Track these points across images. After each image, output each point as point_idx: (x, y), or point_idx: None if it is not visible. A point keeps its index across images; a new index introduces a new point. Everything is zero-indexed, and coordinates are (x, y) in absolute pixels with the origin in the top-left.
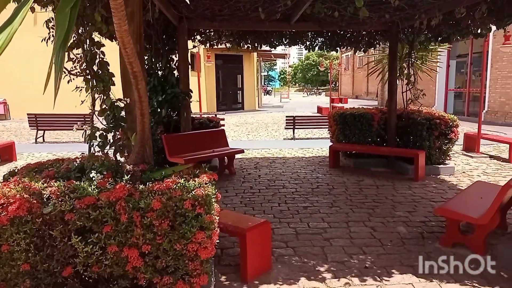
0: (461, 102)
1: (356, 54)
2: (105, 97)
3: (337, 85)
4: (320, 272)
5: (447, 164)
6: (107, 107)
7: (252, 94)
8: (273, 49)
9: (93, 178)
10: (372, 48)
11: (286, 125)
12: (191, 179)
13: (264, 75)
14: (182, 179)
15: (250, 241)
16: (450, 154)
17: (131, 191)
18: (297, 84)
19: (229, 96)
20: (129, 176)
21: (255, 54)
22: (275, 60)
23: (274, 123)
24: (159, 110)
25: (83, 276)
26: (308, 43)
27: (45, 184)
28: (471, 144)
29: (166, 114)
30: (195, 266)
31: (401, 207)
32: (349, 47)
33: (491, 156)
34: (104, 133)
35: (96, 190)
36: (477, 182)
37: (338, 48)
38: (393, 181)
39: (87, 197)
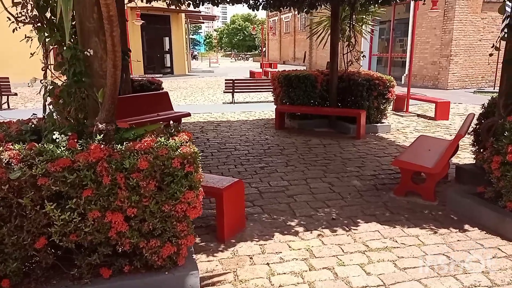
0: (382, 67)
1: (297, 14)
2: (63, 48)
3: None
4: (292, 227)
5: (384, 122)
6: (66, 60)
7: (181, 58)
8: (215, 6)
9: (57, 140)
10: (314, 10)
11: (225, 89)
12: (169, 138)
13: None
14: (162, 138)
15: (226, 201)
16: (386, 114)
17: (110, 152)
18: (223, 49)
19: (157, 60)
20: (101, 136)
21: (183, 15)
22: (203, 23)
23: (209, 87)
24: None
25: (58, 247)
26: (251, 2)
27: (0, 148)
28: (399, 105)
29: None
30: (183, 227)
31: (351, 163)
32: (291, 8)
33: (418, 115)
34: (67, 90)
35: (67, 152)
36: (420, 136)
37: (281, 9)
38: (338, 140)
39: (60, 159)
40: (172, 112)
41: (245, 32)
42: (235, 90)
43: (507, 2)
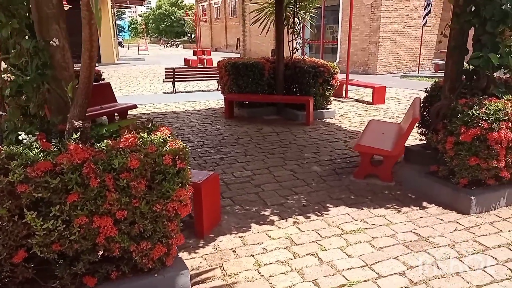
0: (313, 54)
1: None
2: (24, 38)
3: (192, 37)
4: (266, 216)
5: (329, 108)
6: (27, 51)
7: (109, 46)
8: None
9: (24, 141)
10: None
11: (166, 78)
12: (150, 134)
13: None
14: (145, 134)
15: (205, 195)
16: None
17: (94, 152)
18: (149, 36)
19: (80, 47)
20: (78, 134)
21: None
22: (130, 7)
23: (144, 76)
24: None
25: (31, 258)
26: None
27: None
28: (338, 91)
29: None
30: (174, 227)
31: (307, 150)
32: None
33: (356, 100)
34: (31, 85)
35: (42, 154)
36: (371, 121)
37: None
38: (288, 127)
39: (40, 162)
40: (117, 105)
41: (173, 17)
42: (176, 79)
43: None
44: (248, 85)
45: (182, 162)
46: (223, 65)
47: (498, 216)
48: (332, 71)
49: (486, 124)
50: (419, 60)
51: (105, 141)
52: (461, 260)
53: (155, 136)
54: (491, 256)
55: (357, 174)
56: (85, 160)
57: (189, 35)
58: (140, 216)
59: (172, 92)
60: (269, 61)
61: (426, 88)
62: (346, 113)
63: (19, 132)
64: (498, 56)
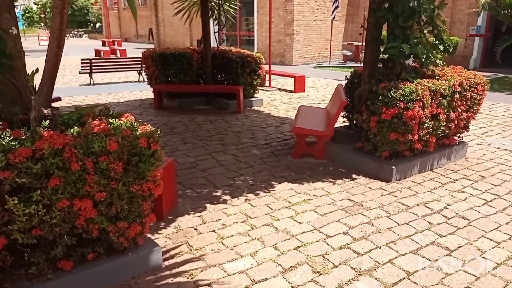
0: (230, 45)
1: None
2: None
3: (97, 26)
4: (219, 197)
5: (257, 97)
6: None
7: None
8: None
9: None
10: None
11: (82, 70)
12: (116, 120)
13: None
14: (113, 120)
15: (164, 180)
16: (258, 89)
17: (72, 137)
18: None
19: None
20: (47, 121)
21: None
22: None
23: None
24: None
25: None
26: None
27: None
28: (261, 81)
29: None
30: (147, 206)
31: (243, 136)
32: None
33: (279, 89)
34: None
35: (15, 142)
36: (301, 107)
37: None
38: (221, 115)
39: (20, 149)
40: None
41: (74, 6)
42: (93, 71)
43: None
44: (177, 76)
45: (156, 144)
46: (149, 55)
47: (414, 182)
48: (258, 61)
49: (403, 104)
50: (330, 51)
51: (75, 127)
52: (390, 218)
53: (123, 121)
54: (413, 213)
55: (294, 154)
56: (65, 144)
57: (92, 24)
58: (117, 197)
59: (89, 84)
60: (197, 52)
61: (346, 76)
62: (272, 101)
63: None
64: (409, 46)
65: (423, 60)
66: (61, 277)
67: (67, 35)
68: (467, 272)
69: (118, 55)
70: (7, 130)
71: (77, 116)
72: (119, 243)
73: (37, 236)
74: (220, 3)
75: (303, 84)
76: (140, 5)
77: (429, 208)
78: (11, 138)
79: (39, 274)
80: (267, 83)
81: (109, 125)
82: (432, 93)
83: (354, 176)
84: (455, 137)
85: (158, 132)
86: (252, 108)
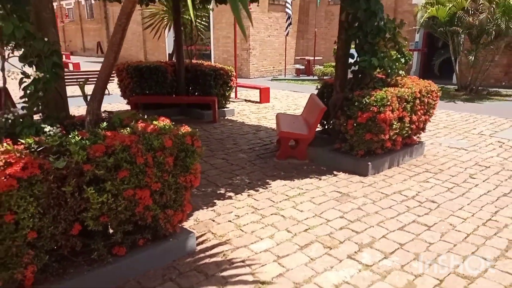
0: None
1: (82, 2)
2: (34, 39)
3: None
4: (223, 194)
5: (228, 107)
6: (40, 52)
7: None
8: None
9: (51, 133)
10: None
11: None
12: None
13: None
14: (156, 122)
15: None
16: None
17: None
18: None
19: None
20: (105, 123)
21: None
22: None
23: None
24: None
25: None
26: None
27: (32, 140)
28: None
29: None
30: (187, 196)
31: (226, 142)
32: None
33: (245, 100)
34: (51, 84)
35: (86, 141)
36: (278, 114)
37: None
38: (199, 124)
39: (96, 145)
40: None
41: None
42: None
43: (287, 5)
44: (152, 88)
45: (198, 142)
46: (124, 68)
47: (386, 175)
48: (230, 74)
49: (376, 108)
50: (285, 65)
51: (127, 128)
52: (375, 204)
53: (163, 123)
54: (392, 200)
55: (279, 156)
56: (132, 141)
57: None
58: (167, 187)
59: None
60: (170, 65)
61: (317, 87)
62: (242, 111)
63: (42, 125)
64: (377, 60)
65: (389, 71)
66: (117, 261)
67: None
68: (446, 241)
69: (71, 68)
70: (75, 131)
71: (119, 120)
72: (165, 229)
73: (103, 223)
74: (192, 19)
75: (268, 95)
76: (87, 18)
77: (404, 195)
78: (80, 138)
79: (99, 259)
80: (232, 95)
81: (157, 126)
82: (399, 99)
83: (335, 172)
84: (415, 137)
85: (198, 131)
86: (226, 118)
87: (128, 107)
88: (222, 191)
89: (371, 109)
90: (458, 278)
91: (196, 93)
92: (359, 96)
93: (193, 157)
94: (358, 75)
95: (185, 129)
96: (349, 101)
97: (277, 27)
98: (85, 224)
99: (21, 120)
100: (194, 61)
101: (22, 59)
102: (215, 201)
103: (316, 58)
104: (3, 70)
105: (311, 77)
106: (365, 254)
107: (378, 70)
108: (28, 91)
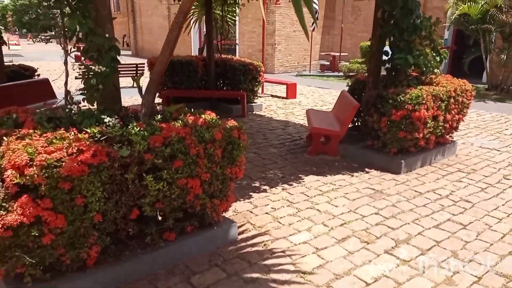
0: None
1: None
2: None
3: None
4: (258, 187)
5: (256, 102)
6: (101, 47)
7: None
8: None
9: (110, 124)
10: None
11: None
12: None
13: None
14: (203, 115)
15: None
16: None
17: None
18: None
19: None
20: (160, 116)
21: None
22: None
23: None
24: None
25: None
26: None
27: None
28: None
29: None
30: (232, 187)
31: (256, 137)
32: None
33: (272, 95)
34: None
35: (144, 133)
36: (309, 110)
37: None
38: (230, 119)
39: (155, 136)
40: (61, 100)
41: (39, 9)
42: None
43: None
44: (183, 82)
45: (244, 135)
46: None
47: (419, 174)
48: (258, 69)
49: (410, 106)
50: (310, 61)
51: (180, 120)
52: (409, 202)
53: (210, 117)
54: (426, 198)
55: (310, 151)
56: (186, 133)
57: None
58: (215, 178)
59: None
60: (200, 59)
61: (348, 83)
62: (269, 107)
63: (102, 116)
64: (412, 57)
65: (424, 69)
66: (167, 246)
67: (34, 40)
68: (482, 240)
69: None
70: (132, 122)
71: (169, 113)
72: (211, 217)
73: (158, 209)
74: (223, 14)
75: (295, 91)
76: (114, 11)
77: (438, 194)
78: (138, 129)
79: (151, 243)
80: (259, 90)
81: (205, 120)
82: (434, 98)
83: (367, 169)
84: (447, 137)
85: (244, 125)
86: (253, 112)
87: (159, 101)
88: (257, 184)
89: (405, 107)
90: (496, 276)
91: (225, 88)
92: (394, 94)
93: (239, 149)
94: (392, 73)
95: (232, 122)
96: (383, 99)
97: None
98: (142, 209)
99: (82, 111)
100: (223, 55)
101: (83, 53)
102: (251, 193)
103: (341, 54)
104: (66, 63)
105: (336, 73)
106: (402, 250)
107: (412, 68)
108: (89, 84)
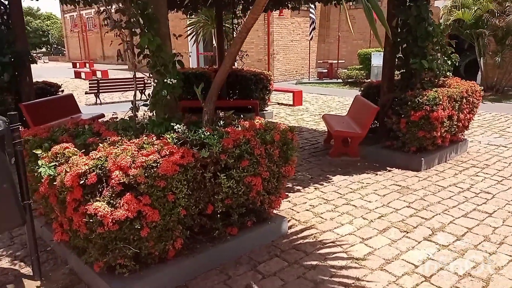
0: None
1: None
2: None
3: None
4: (291, 188)
5: (267, 110)
6: (168, 62)
7: None
8: None
9: (179, 130)
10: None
11: (90, 89)
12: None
13: None
14: (257, 120)
15: None
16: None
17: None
18: None
19: None
20: (222, 121)
21: None
22: None
23: None
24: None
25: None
26: None
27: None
28: None
29: (8, 79)
30: (285, 184)
31: None
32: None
33: (278, 103)
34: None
35: (216, 136)
36: (325, 115)
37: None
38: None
39: (226, 139)
40: (86, 114)
41: (29, 27)
42: (100, 91)
43: (311, 10)
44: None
45: (295, 136)
46: None
47: (437, 170)
48: (269, 78)
49: (428, 107)
50: (309, 69)
51: (240, 125)
52: (435, 195)
53: (261, 121)
54: (450, 191)
55: (332, 153)
56: (252, 136)
57: (54, 46)
58: (273, 176)
59: (95, 104)
60: (213, 71)
61: (361, 88)
62: (278, 114)
63: (172, 124)
64: (427, 62)
65: (437, 73)
66: (232, 240)
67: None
68: (508, 225)
69: (99, 76)
70: (201, 128)
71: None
72: (267, 212)
73: (227, 205)
74: (234, 27)
75: (301, 98)
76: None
77: (460, 187)
78: (208, 134)
79: (218, 237)
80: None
81: (260, 123)
82: (449, 98)
83: (388, 168)
84: (460, 135)
85: (295, 128)
86: (266, 120)
87: None
88: (290, 185)
89: (424, 108)
90: None
91: (235, 97)
92: (412, 96)
93: (292, 149)
94: (406, 77)
95: (283, 125)
96: (401, 101)
97: (299, 32)
98: (214, 205)
99: (152, 119)
100: (232, 67)
101: (151, 67)
102: (286, 193)
103: (339, 61)
104: (135, 77)
105: (334, 80)
106: (440, 237)
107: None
108: (159, 95)
